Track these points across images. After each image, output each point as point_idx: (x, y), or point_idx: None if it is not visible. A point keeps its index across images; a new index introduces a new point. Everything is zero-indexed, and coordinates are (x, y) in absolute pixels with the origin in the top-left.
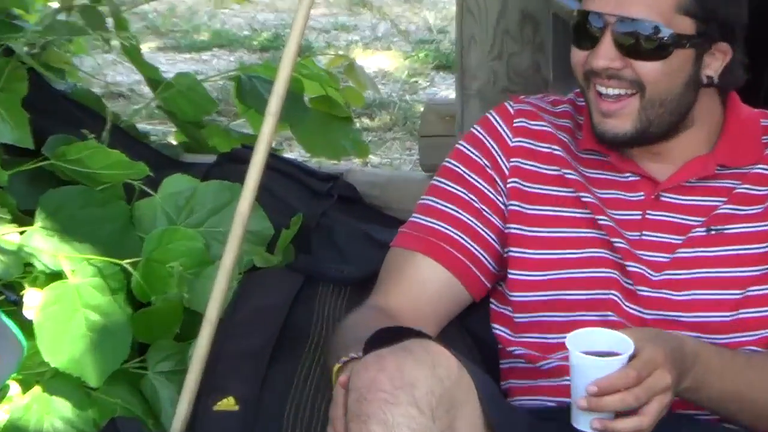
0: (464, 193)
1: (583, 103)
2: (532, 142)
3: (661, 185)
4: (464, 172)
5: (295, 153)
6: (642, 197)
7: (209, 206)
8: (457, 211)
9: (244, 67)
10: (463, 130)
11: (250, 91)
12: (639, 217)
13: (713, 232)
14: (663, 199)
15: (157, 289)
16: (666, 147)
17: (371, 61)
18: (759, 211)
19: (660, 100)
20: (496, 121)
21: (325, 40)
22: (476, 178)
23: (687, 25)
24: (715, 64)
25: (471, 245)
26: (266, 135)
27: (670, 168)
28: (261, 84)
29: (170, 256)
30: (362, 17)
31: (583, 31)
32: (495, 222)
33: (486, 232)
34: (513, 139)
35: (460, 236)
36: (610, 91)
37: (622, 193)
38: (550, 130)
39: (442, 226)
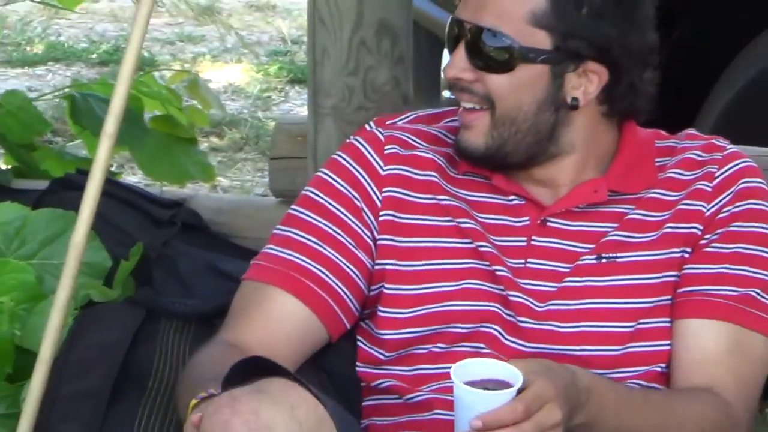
0: (327, 226)
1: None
2: (406, 168)
3: (548, 210)
4: (327, 202)
5: (138, 176)
6: (527, 222)
7: (41, 236)
8: (318, 244)
9: (78, 85)
10: (317, 152)
11: (84, 110)
12: (524, 243)
13: (604, 260)
14: (549, 224)
15: None
16: (546, 173)
17: (220, 74)
18: (653, 238)
19: (510, 118)
20: (364, 147)
21: (170, 53)
22: (341, 209)
23: (541, 39)
24: (587, 86)
25: (333, 281)
26: (102, 159)
27: (558, 192)
28: (97, 103)
29: (0, 290)
30: (210, 27)
31: (449, 39)
32: (361, 258)
33: (350, 269)
34: (384, 167)
35: (321, 271)
36: (466, 104)
37: (506, 217)
38: (424, 155)
39: (302, 260)
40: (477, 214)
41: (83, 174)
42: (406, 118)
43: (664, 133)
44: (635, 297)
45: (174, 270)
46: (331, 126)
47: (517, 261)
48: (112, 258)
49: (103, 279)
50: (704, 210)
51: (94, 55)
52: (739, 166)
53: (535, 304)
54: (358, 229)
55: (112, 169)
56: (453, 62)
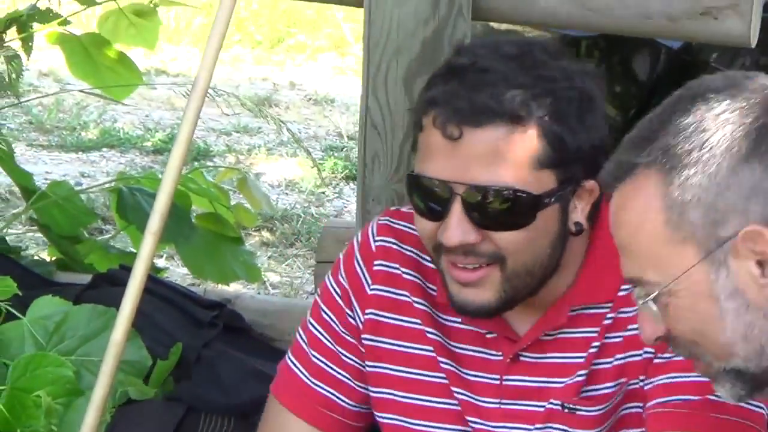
0: (330, 342)
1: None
2: (390, 290)
3: (519, 343)
4: (331, 319)
5: (185, 269)
6: (500, 357)
7: (81, 332)
8: (329, 366)
9: (126, 177)
10: None
11: (131, 205)
12: (497, 381)
13: (566, 411)
14: (521, 359)
15: (23, 420)
16: (529, 300)
17: (275, 168)
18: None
19: (526, 270)
20: (357, 261)
21: (226, 143)
22: (338, 325)
23: (548, 180)
24: (582, 205)
25: (343, 401)
26: (145, 257)
27: (531, 319)
28: (144, 197)
29: (37, 384)
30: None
31: (426, 199)
32: (359, 369)
33: (356, 384)
34: (371, 286)
35: (332, 394)
36: (469, 265)
37: (482, 350)
38: (409, 278)
39: (316, 384)
40: (454, 343)
41: (126, 270)
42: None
43: None
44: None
45: (214, 372)
46: None
47: (491, 400)
48: (152, 357)
49: (142, 377)
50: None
51: (148, 143)
52: None
53: None
54: (352, 343)
55: (159, 261)
56: (452, 227)
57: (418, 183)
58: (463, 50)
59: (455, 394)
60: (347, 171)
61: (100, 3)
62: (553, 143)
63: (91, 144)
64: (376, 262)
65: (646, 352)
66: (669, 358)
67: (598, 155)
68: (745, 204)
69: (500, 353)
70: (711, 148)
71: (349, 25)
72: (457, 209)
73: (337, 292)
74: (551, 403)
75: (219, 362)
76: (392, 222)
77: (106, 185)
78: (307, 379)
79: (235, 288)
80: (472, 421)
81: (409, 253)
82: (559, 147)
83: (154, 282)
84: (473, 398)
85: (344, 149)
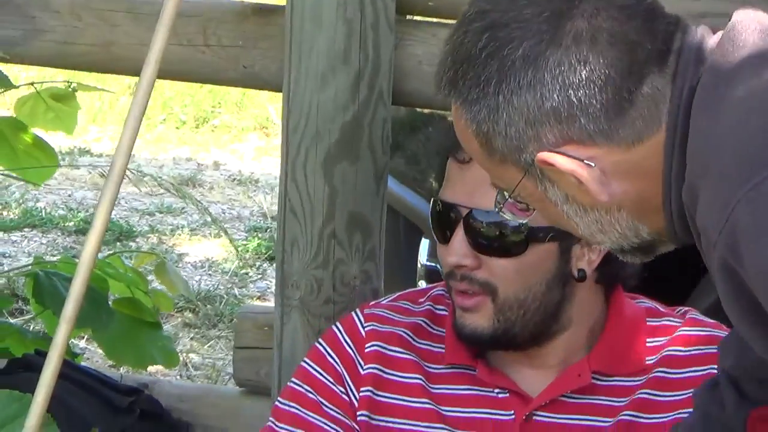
0: (324, 423)
1: (442, 312)
2: (385, 370)
3: (533, 403)
4: (318, 398)
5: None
6: (512, 417)
7: None
8: None
9: (42, 262)
10: (282, 343)
11: (47, 289)
12: None
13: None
14: (536, 419)
15: None
16: (541, 352)
17: (198, 248)
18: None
19: (517, 302)
20: (346, 342)
21: (149, 224)
22: (332, 406)
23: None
24: (590, 254)
25: None
26: (59, 344)
27: (545, 378)
28: (60, 282)
29: None
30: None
31: (439, 222)
32: None
33: None
34: (364, 367)
35: None
36: (466, 291)
37: (492, 411)
38: (404, 356)
39: None
40: (461, 409)
41: (41, 355)
42: (389, 297)
43: (659, 308)
44: None
45: None
46: (297, 318)
47: None
48: None
49: None
50: None
51: (70, 223)
52: None
53: None
54: (347, 423)
55: (80, 342)
56: (453, 248)
57: (434, 208)
58: None
59: None
60: (271, 252)
61: (18, 87)
62: None
63: (13, 224)
64: (367, 345)
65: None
66: None
67: None
68: (536, 131)
69: (512, 412)
70: (487, 82)
71: (275, 105)
72: (459, 232)
73: (319, 370)
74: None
75: None
76: (376, 311)
77: (23, 269)
78: None
79: (155, 370)
80: None
81: (402, 332)
82: None
83: (70, 367)
84: None
85: (268, 230)
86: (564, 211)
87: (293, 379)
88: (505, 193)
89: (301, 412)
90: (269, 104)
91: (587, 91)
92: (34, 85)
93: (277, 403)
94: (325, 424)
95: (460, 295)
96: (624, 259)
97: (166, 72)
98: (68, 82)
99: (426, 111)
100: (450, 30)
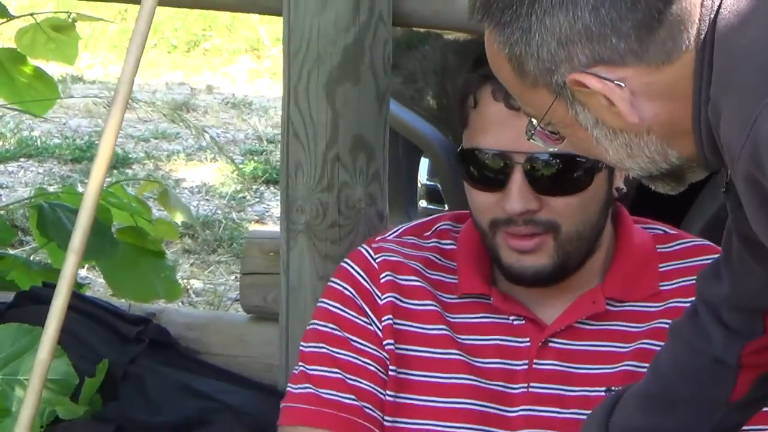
0: (355, 358)
1: (450, 247)
2: (402, 299)
3: (548, 329)
4: (345, 335)
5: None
6: (528, 344)
7: (6, 352)
8: (356, 380)
9: (45, 194)
10: (289, 268)
11: (51, 222)
12: (525, 367)
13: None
14: (552, 345)
15: None
16: (570, 281)
17: (195, 174)
18: None
19: (577, 234)
20: (360, 275)
21: (144, 150)
22: (359, 340)
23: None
24: (620, 174)
25: (377, 414)
26: (68, 275)
27: (560, 305)
28: (64, 213)
29: None
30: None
31: (485, 171)
32: (382, 377)
33: (378, 390)
34: (382, 297)
35: (366, 407)
36: (525, 232)
37: (508, 337)
38: (419, 284)
39: (346, 398)
40: (477, 337)
41: (50, 287)
42: (394, 233)
43: (668, 230)
44: None
45: (142, 388)
46: (303, 242)
47: (519, 386)
48: (79, 374)
49: (69, 395)
50: None
51: (66, 152)
52: None
53: None
54: (380, 355)
55: (81, 271)
56: (514, 195)
57: (476, 157)
58: None
59: (484, 388)
60: (267, 175)
61: (18, 17)
62: None
63: (9, 154)
64: (381, 276)
65: None
66: None
67: None
68: (568, 52)
69: (527, 339)
70: (520, 3)
71: (266, 27)
72: (518, 178)
73: (341, 307)
74: (594, 391)
75: (146, 378)
76: (384, 245)
77: (25, 201)
78: (326, 393)
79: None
80: (491, 407)
81: (413, 264)
82: None
83: (78, 298)
84: (486, 384)
85: (263, 153)
86: (594, 135)
87: (315, 321)
88: (534, 121)
89: (331, 350)
90: (260, 26)
91: (618, 10)
92: (34, 15)
93: (302, 347)
94: (356, 358)
95: (519, 238)
96: (654, 187)
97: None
98: (68, 12)
99: (422, 30)
100: None
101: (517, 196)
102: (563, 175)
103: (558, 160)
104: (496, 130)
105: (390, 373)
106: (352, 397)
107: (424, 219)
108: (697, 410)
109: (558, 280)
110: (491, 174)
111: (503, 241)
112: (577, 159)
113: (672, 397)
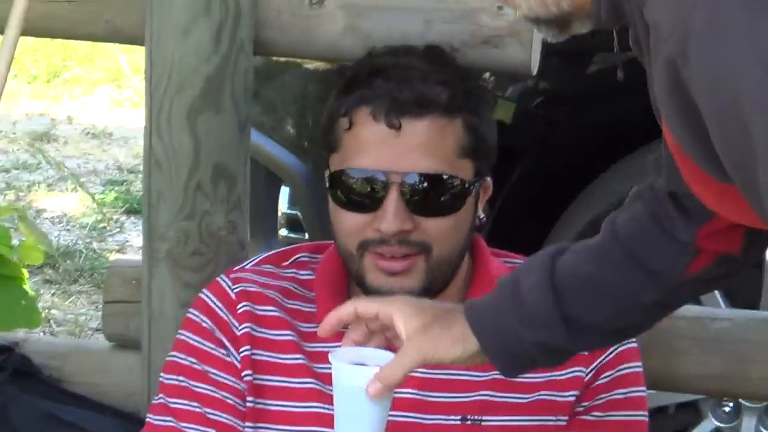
0: (213, 391)
1: (308, 277)
2: (260, 329)
3: None
4: (203, 367)
5: None
6: None
7: None
8: (215, 414)
9: None
10: (151, 296)
11: None
12: None
13: (469, 422)
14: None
15: None
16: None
17: (55, 203)
18: (524, 401)
19: (447, 258)
20: (216, 306)
21: (5, 181)
22: (218, 372)
23: (469, 169)
24: (482, 202)
25: None
26: None
27: None
28: None
29: None
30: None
31: (358, 192)
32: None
33: (243, 427)
34: (239, 327)
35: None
36: (397, 253)
37: None
38: (276, 314)
39: (194, 428)
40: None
41: None
42: (252, 261)
43: (519, 261)
44: None
45: (5, 417)
46: (165, 270)
47: None
48: None
49: None
50: (583, 375)
51: None
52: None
53: None
54: (239, 387)
55: None
56: (391, 216)
57: (349, 178)
58: (377, 53)
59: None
60: (128, 205)
61: None
62: (473, 134)
63: None
64: (239, 306)
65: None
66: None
67: (495, 151)
68: None
69: None
70: None
71: (126, 56)
72: (394, 197)
73: (199, 339)
74: (449, 419)
75: (9, 407)
76: (242, 275)
77: None
78: (187, 427)
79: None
80: None
81: (270, 293)
82: (476, 138)
83: None
84: None
85: (124, 183)
86: None
87: (173, 353)
88: None
89: (190, 383)
90: (120, 55)
91: None
92: None
93: (162, 378)
94: (215, 391)
95: (390, 259)
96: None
97: (28, 29)
98: None
99: (282, 59)
100: None
101: (392, 216)
102: (437, 195)
103: (432, 181)
104: (373, 150)
105: (248, 404)
106: (212, 431)
107: (283, 248)
108: (649, 278)
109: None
110: (366, 194)
111: (371, 262)
112: (452, 180)
113: (625, 258)
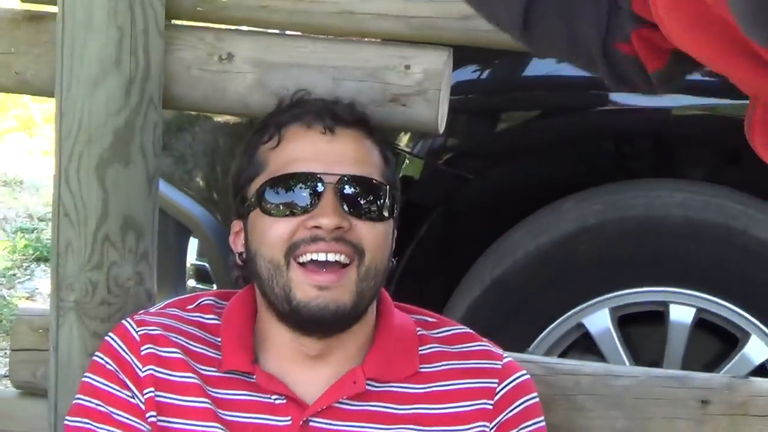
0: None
1: (213, 321)
2: (163, 371)
3: (310, 409)
4: (108, 409)
5: None
6: (289, 422)
7: None
8: None
9: None
10: (59, 345)
11: None
12: None
13: None
14: (312, 424)
15: None
16: (335, 342)
17: None
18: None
19: (375, 271)
20: (121, 348)
21: None
22: (122, 414)
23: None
24: (393, 241)
25: None
26: None
27: (322, 385)
28: None
29: None
30: None
31: (291, 196)
32: None
33: None
34: (143, 369)
35: None
36: (330, 257)
37: (268, 416)
38: (179, 356)
39: None
40: (239, 414)
41: None
42: (158, 306)
43: (430, 319)
44: None
45: None
46: (73, 319)
47: None
48: None
49: None
50: (486, 429)
51: None
52: (519, 380)
53: None
54: (139, 427)
55: None
56: (328, 212)
57: (281, 184)
58: (293, 97)
59: None
60: (38, 253)
61: None
62: (390, 169)
63: None
64: (142, 348)
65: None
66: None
67: (399, 205)
68: None
69: (289, 418)
70: None
71: (38, 105)
72: (329, 197)
73: (103, 381)
74: None
75: None
76: (147, 318)
77: None
78: None
79: None
80: None
81: (174, 336)
82: (392, 176)
83: None
84: None
85: (35, 231)
86: None
87: (78, 396)
88: None
89: (94, 425)
90: (33, 104)
91: None
92: None
93: (67, 421)
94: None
95: (320, 272)
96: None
97: None
98: None
99: (193, 112)
100: None
101: (332, 211)
102: (371, 199)
103: (365, 184)
104: (308, 155)
105: None
106: None
107: (188, 294)
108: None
109: (350, 324)
110: (299, 198)
111: (300, 276)
112: (382, 187)
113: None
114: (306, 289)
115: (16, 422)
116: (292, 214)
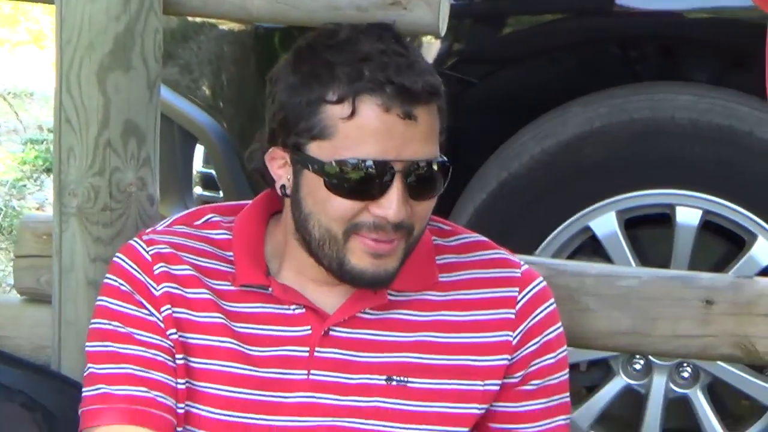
0: (142, 351)
1: (222, 236)
2: (178, 287)
3: (331, 319)
4: (128, 330)
5: None
6: (309, 332)
7: None
8: (145, 372)
9: None
10: (62, 251)
11: None
12: (306, 354)
13: (395, 383)
14: (333, 334)
15: None
16: None
17: None
18: (451, 364)
19: (417, 238)
20: (132, 268)
21: None
22: (143, 333)
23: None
24: None
25: (170, 402)
26: None
27: (341, 296)
28: None
29: None
30: None
31: (358, 182)
32: (172, 366)
33: (172, 381)
34: (158, 287)
35: (159, 396)
36: (391, 236)
37: (287, 328)
38: (191, 273)
39: (138, 391)
40: (254, 326)
41: None
42: (164, 223)
43: (444, 227)
44: (429, 424)
45: None
46: (75, 225)
47: (299, 372)
48: None
49: None
50: (510, 339)
51: None
52: (538, 288)
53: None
54: (167, 345)
55: None
56: (397, 206)
57: (351, 168)
58: (356, 39)
59: (265, 378)
60: (48, 163)
61: None
62: (442, 115)
63: None
64: (155, 267)
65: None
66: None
67: None
68: None
69: (308, 327)
70: None
71: (48, 18)
72: (398, 186)
73: (119, 303)
74: (374, 378)
75: None
76: (155, 237)
77: None
78: (118, 390)
79: None
80: (261, 394)
81: (184, 254)
82: (443, 119)
83: None
84: (278, 376)
85: (44, 142)
86: None
87: (96, 320)
88: None
89: (116, 347)
90: (42, 16)
91: None
92: None
93: (88, 347)
94: (143, 351)
95: (378, 242)
96: None
97: None
98: None
99: (198, 20)
100: None
101: (398, 205)
102: (432, 180)
103: (430, 167)
104: (382, 140)
105: (178, 361)
106: (144, 389)
107: (194, 208)
108: None
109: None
110: (365, 185)
111: (359, 245)
112: (444, 164)
113: None
114: (363, 257)
115: (20, 328)
116: (359, 198)
